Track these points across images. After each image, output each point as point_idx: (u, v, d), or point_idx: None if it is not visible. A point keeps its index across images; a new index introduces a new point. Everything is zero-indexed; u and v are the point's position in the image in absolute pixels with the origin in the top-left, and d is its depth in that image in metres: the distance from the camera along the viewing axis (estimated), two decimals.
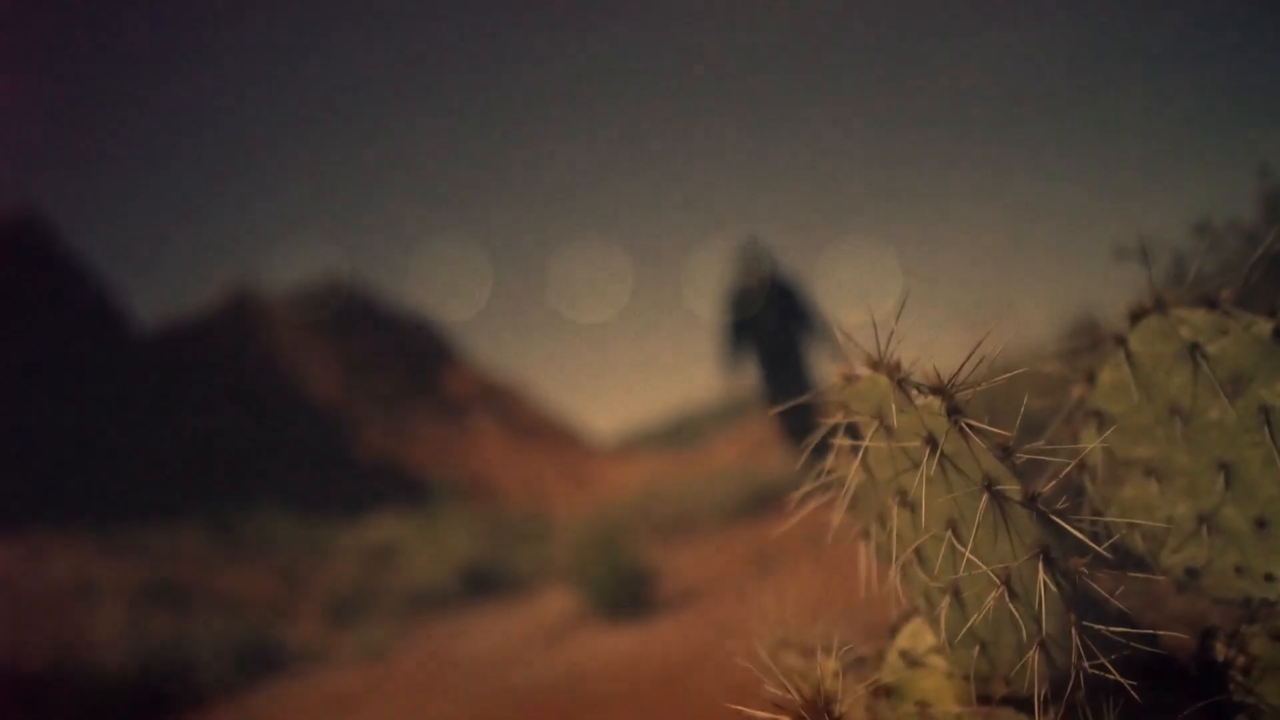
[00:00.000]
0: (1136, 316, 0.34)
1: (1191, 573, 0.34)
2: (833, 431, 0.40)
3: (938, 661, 0.38)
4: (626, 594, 2.13)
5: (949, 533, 0.35)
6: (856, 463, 0.38)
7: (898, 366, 0.37)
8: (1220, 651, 0.34)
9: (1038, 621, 0.33)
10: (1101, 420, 0.36)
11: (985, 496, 0.34)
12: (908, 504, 0.36)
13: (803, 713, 0.39)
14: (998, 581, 0.34)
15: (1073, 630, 0.32)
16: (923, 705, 0.38)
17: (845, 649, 0.40)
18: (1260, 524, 0.32)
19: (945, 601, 0.35)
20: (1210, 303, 0.32)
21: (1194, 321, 0.33)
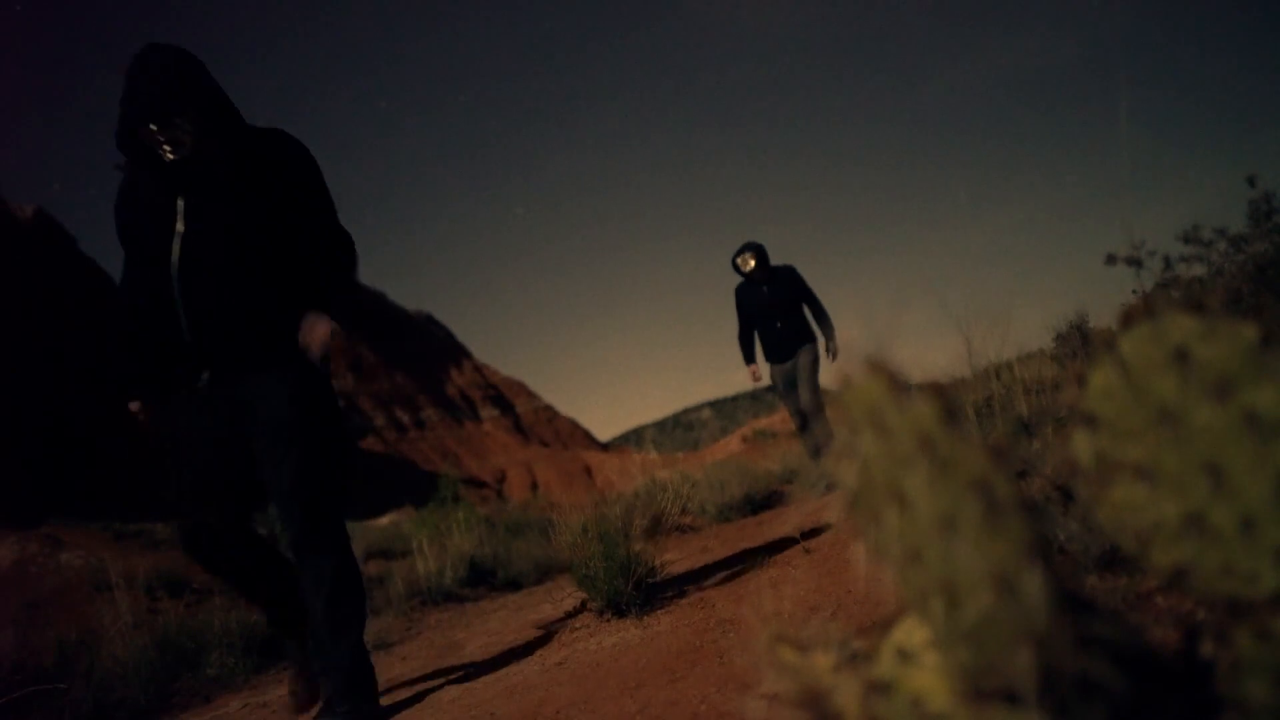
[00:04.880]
0: (1127, 320, 0.35)
1: (1179, 572, 0.35)
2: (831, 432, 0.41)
3: (932, 658, 0.39)
4: (626, 588, 2.14)
5: (943, 531, 0.36)
6: (853, 463, 0.39)
7: (895, 367, 0.38)
8: (1207, 650, 0.35)
9: (1029, 620, 0.34)
10: (1092, 422, 0.36)
11: (979, 497, 0.35)
12: (903, 503, 0.37)
13: (798, 707, 0.40)
14: (991, 580, 0.34)
15: (1063, 628, 0.33)
16: (917, 701, 0.39)
17: (841, 645, 0.41)
18: (1247, 524, 0.33)
19: (939, 599, 0.36)
20: (1199, 308, 0.33)
21: (1183, 326, 0.33)
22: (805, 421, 4.59)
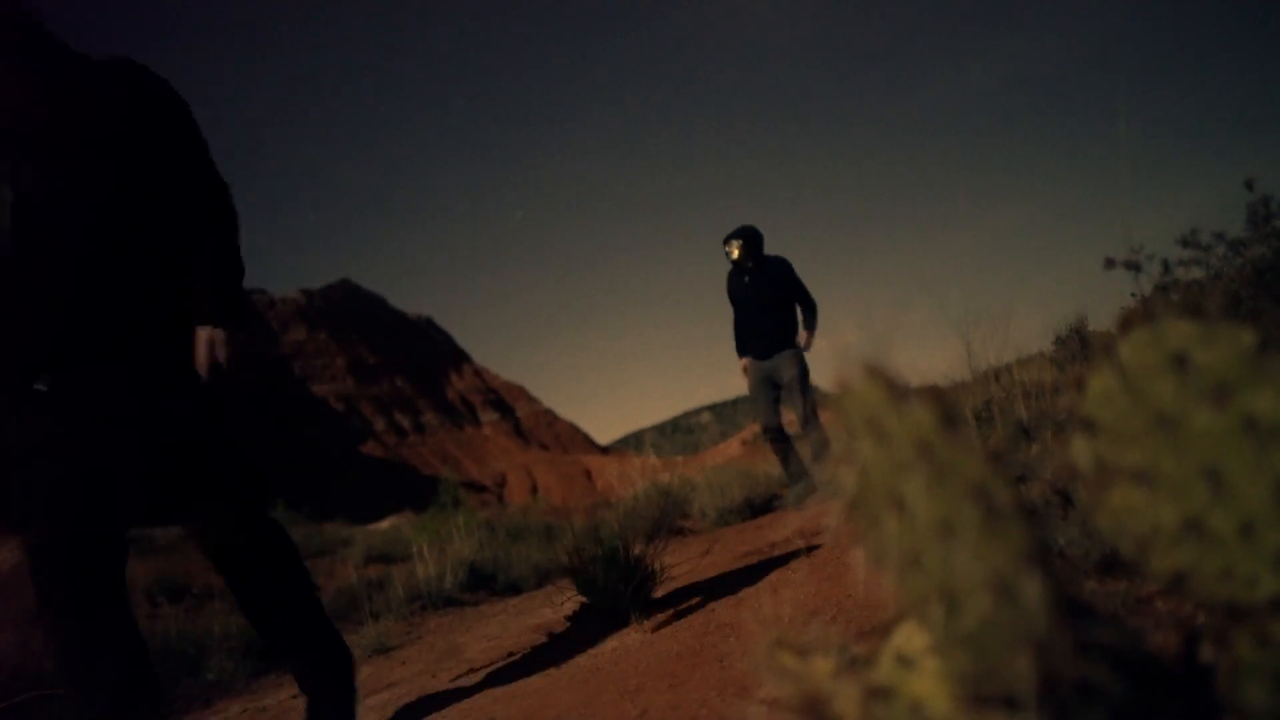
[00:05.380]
0: (1126, 325, 0.35)
1: (1179, 577, 0.35)
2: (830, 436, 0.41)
3: (931, 663, 0.39)
4: (626, 592, 2.13)
5: (942, 537, 0.36)
6: (852, 468, 0.39)
7: (893, 371, 0.38)
8: (1207, 654, 0.35)
9: (1029, 625, 0.33)
10: (1091, 427, 0.36)
11: (978, 502, 0.35)
12: (902, 508, 0.37)
13: (798, 712, 0.40)
14: (990, 585, 0.34)
15: (1063, 633, 0.33)
16: (916, 706, 0.38)
17: (841, 649, 0.41)
18: (1246, 529, 0.33)
19: (939, 604, 0.36)
20: (1198, 312, 0.33)
21: (1181, 331, 0.33)
22: (779, 435, 4.14)
